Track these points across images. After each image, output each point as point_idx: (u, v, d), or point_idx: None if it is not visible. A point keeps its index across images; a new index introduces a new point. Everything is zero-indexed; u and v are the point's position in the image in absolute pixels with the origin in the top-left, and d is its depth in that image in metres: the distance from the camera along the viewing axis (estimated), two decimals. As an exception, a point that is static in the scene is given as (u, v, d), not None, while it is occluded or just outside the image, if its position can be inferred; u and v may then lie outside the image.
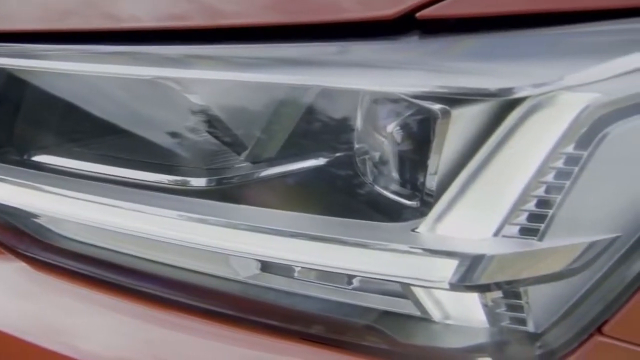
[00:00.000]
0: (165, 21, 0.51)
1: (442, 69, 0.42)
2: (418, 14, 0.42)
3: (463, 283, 0.42)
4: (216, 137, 0.55)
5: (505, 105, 0.42)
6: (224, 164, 0.56)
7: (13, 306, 0.57)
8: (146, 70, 0.50)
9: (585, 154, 0.40)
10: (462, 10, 0.42)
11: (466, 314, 0.46)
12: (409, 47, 0.44)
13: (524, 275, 0.43)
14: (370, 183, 0.51)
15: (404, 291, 0.48)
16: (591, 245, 0.42)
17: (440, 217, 0.44)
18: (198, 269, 0.55)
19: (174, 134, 0.57)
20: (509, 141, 0.42)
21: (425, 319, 0.48)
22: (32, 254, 0.59)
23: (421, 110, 0.45)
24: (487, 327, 0.46)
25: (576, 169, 0.40)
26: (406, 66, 0.43)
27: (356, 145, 0.52)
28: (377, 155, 0.50)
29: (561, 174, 0.41)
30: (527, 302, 0.44)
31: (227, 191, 0.55)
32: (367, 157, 0.52)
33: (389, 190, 0.50)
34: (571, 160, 0.40)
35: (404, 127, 0.47)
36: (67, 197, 0.56)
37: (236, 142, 0.55)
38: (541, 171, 0.41)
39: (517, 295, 0.44)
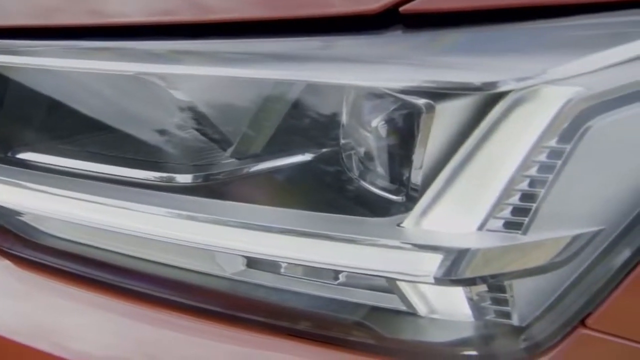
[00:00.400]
0: (150, 16, 0.50)
1: (426, 63, 0.42)
2: (401, 9, 0.42)
3: (448, 277, 0.43)
4: (201, 133, 0.55)
5: (489, 100, 0.42)
6: (209, 160, 0.56)
7: (-2, 305, 0.57)
8: (130, 66, 0.50)
9: (568, 147, 0.40)
10: (445, 4, 0.42)
11: (451, 308, 0.47)
12: (392, 41, 0.44)
13: (509, 268, 0.43)
14: (356, 178, 0.51)
15: (390, 286, 0.48)
16: (575, 238, 0.42)
17: (425, 212, 0.44)
18: (184, 265, 0.54)
19: (159, 130, 0.57)
20: (492, 135, 0.42)
21: (411, 313, 0.48)
22: (16, 252, 0.59)
23: (406, 104, 0.45)
24: (472, 321, 0.46)
25: (559, 162, 0.41)
26: (390, 61, 0.43)
27: (342, 141, 0.52)
28: (362, 150, 0.50)
29: (544, 168, 0.41)
30: (511, 296, 0.44)
31: (213, 187, 0.55)
32: (353, 152, 0.52)
33: (375, 186, 0.50)
34: (554, 153, 0.41)
35: (389, 122, 0.47)
36: (52, 195, 0.56)
37: (221, 138, 0.55)
38: (525, 165, 0.41)
39: (502, 289, 0.44)
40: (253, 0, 0.47)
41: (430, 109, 0.42)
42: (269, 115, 0.53)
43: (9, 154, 0.61)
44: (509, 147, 0.41)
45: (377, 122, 0.47)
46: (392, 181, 0.49)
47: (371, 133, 0.48)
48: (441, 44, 0.43)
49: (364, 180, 0.51)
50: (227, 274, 0.53)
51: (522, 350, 0.45)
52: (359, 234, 0.45)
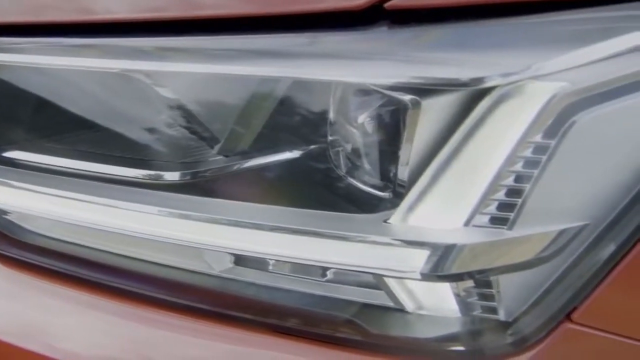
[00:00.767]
0: (136, 13, 0.50)
1: (412, 59, 0.42)
2: (387, 4, 0.42)
3: (435, 273, 0.43)
4: (188, 131, 0.55)
5: (474, 95, 0.42)
6: (197, 158, 0.56)
7: (-16, 304, 0.57)
8: (115, 63, 0.50)
9: (552, 142, 0.41)
10: (429, 0, 0.42)
11: (439, 303, 0.47)
12: (378, 37, 0.44)
13: (495, 264, 0.43)
14: (344, 175, 0.51)
15: (378, 282, 0.48)
16: (560, 233, 0.43)
17: (411, 208, 0.44)
18: (171, 263, 0.54)
19: (145, 128, 0.57)
20: (478, 131, 0.42)
21: (398, 309, 0.48)
22: (3, 251, 0.59)
23: (392, 100, 0.45)
24: (459, 317, 0.46)
25: (544, 157, 0.41)
26: (376, 57, 0.43)
27: (330, 137, 0.52)
28: (349, 146, 0.50)
29: (530, 163, 0.41)
30: (497, 291, 0.44)
31: (200, 185, 0.55)
32: (340, 149, 0.52)
33: (362, 182, 0.50)
34: (539, 149, 0.41)
35: (375, 118, 0.47)
36: (38, 193, 0.56)
37: (209, 135, 0.54)
38: (510, 160, 0.41)
39: (488, 285, 0.44)
40: (238, -3, 0.46)
41: (417, 105, 0.42)
42: (256, 112, 0.52)
43: (-4, 153, 0.61)
44: (495, 143, 0.41)
45: (364, 118, 0.47)
46: (379, 177, 0.49)
47: (358, 129, 0.48)
48: (427, 40, 0.43)
49: (352, 176, 0.51)
50: (215, 272, 0.53)
51: (509, 345, 0.45)
52: (345, 230, 0.45)
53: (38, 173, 0.58)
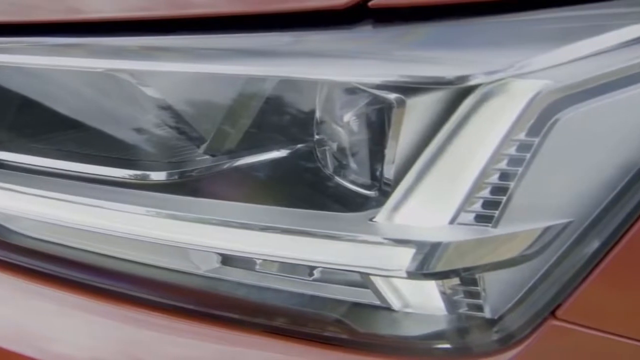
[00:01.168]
0: (120, 12, 0.50)
1: (397, 58, 0.42)
2: (370, 3, 0.42)
3: (420, 271, 0.43)
4: (174, 130, 0.55)
5: (459, 94, 0.42)
6: (183, 157, 0.56)
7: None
8: (100, 62, 0.49)
9: (536, 140, 0.41)
10: (412, -2, 0.42)
11: (425, 302, 0.47)
12: (363, 36, 0.44)
13: (480, 261, 0.43)
14: (330, 174, 0.51)
15: (364, 281, 0.48)
16: (545, 230, 0.43)
17: (397, 206, 0.44)
18: (158, 263, 0.54)
19: (131, 128, 0.56)
20: (462, 129, 0.42)
21: (385, 308, 0.48)
22: (-12, 252, 0.58)
23: (377, 99, 0.45)
24: (445, 315, 0.46)
25: (528, 155, 0.41)
26: (361, 56, 0.43)
27: (316, 136, 0.52)
28: (335, 145, 0.50)
29: (514, 161, 0.41)
30: (483, 289, 0.44)
31: (187, 185, 0.55)
32: (327, 148, 0.52)
33: (349, 181, 0.50)
34: (523, 147, 0.41)
35: (361, 116, 0.47)
36: (24, 194, 0.55)
37: (195, 134, 0.54)
38: (495, 158, 0.41)
39: (474, 282, 0.44)
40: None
41: (402, 103, 0.42)
42: (242, 112, 0.52)
43: (-21, 154, 0.60)
44: (479, 141, 0.41)
45: (349, 117, 0.47)
46: (365, 176, 0.49)
47: (343, 128, 0.48)
48: (411, 39, 0.43)
49: (338, 175, 0.51)
50: (201, 272, 0.53)
51: (495, 342, 0.45)
52: (331, 229, 0.45)
53: (24, 174, 0.57)
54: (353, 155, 0.49)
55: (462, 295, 0.45)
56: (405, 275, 0.43)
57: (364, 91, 0.45)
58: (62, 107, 0.58)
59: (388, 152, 0.44)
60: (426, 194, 0.43)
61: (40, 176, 0.56)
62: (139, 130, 0.56)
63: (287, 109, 0.52)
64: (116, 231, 0.52)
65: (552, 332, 0.44)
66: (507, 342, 0.45)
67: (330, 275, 0.51)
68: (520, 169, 0.41)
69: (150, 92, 0.53)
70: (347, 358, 0.47)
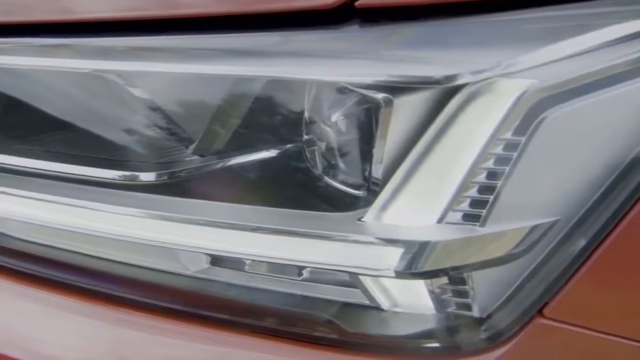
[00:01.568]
0: (107, 13, 0.50)
1: (385, 57, 0.42)
2: (357, 3, 0.42)
3: (408, 270, 0.43)
4: (163, 131, 0.55)
5: (446, 93, 0.42)
6: (173, 158, 0.55)
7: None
8: (88, 63, 0.49)
9: (523, 139, 0.41)
10: (399, -2, 0.42)
11: (414, 301, 0.47)
12: (350, 36, 0.44)
13: (468, 260, 0.43)
14: (319, 174, 0.51)
15: (353, 281, 0.48)
16: (532, 229, 0.43)
17: (385, 206, 0.44)
18: (146, 264, 0.54)
19: (120, 129, 0.56)
20: (449, 129, 0.42)
21: (374, 307, 0.48)
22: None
23: (365, 99, 0.45)
24: (434, 314, 0.46)
25: (515, 154, 0.41)
26: (349, 55, 0.43)
27: (305, 136, 0.52)
28: (324, 145, 0.50)
29: (501, 160, 0.41)
30: (471, 288, 0.45)
31: (176, 185, 0.55)
32: (316, 147, 0.52)
33: (338, 181, 0.50)
34: (510, 146, 0.41)
35: (348, 116, 0.47)
36: (12, 196, 0.55)
37: (183, 135, 0.54)
38: (482, 157, 0.41)
39: (462, 281, 0.45)
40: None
41: (389, 103, 0.42)
42: (230, 112, 0.52)
43: (-34, 155, 0.60)
44: (466, 140, 0.42)
45: (337, 116, 0.47)
46: (353, 176, 0.49)
47: (332, 128, 0.48)
48: (398, 38, 0.43)
49: (327, 175, 0.51)
50: (190, 272, 0.53)
51: (483, 341, 0.45)
52: (319, 229, 0.45)
53: (13, 175, 0.57)
54: (341, 155, 0.49)
55: (450, 294, 0.45)
56: (393, 274, 0.43)
57: (352, 91, 0.45)
58: (50, 108, 0.58)
59: (376, 152, 0.44)
60: (414, 193, 0.43)
61: (29, 178, 0.56)
62: (127, 131, 0.56)
63: (276, 109, 0.52)
64: (106, 233, 0.51)
65: (540, 330, 0.44)
66: (495, 340, 0.45)
67: (320, 275, 0.51)
68: (507, 168, 0.41)
69: (138, 92, 0.53)
70: (336, 358, 0.47)
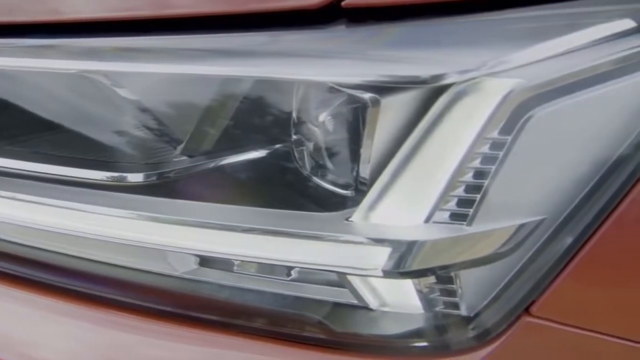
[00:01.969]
0: (94, 13, 0.49)
1: (372, 57, 0.42)
2: (343, 3, 0.42)
3: (396, 270, 0.43)
4: (151, 131, 0.54)
5: (432, 93, 0.42)
6: (161, 159, 0.55)
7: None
8: (75, 64, 0.49)
9: (509, 138, 0.41)
10: (385, -2, 0.42)
11: (402, 300, 0.47)
12: (337, 36, 0.44)
13: (456, 260, 0.43)
14: (307, 174, 0.51)
15: (341, 280, 0.48)
16: (519, 228, 0.43)
17: (372, 206, 0.44)
18: (135, 266, 0.54)
19: (107, 129, 0.56)
20: (436, 128, 0.42)
21: (362, 307, 0.48)
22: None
23: (352, 99, 0.45)
24: (422, 313, 0.47)
25: (501, 153, 0.41)
26: (336, 55, 0.43)
27: (294, 136, 0.52)
28: (312, 145, 0.50)
29: (487, 159, 0.41)
30: (459, 287, 0.45)
31: (165, 186, 0.54)
32: (304, 147, 0.52)
33: (326, 181, 0.50)
34: (496, 145, 0.41)
35: (336, 116, 0.47)
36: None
37: (171, 135, 0.54)
38: (468, 157, 0.41)
39: (450, 280, 0.45)
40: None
41: (376, 103, 0.42)
42: (218, 112, 0.52)
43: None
44: (453, 140, 0.42)
45: (325, 116, 0.47)
46: (341, 176, 0.49)
47: (319, 128, 0.48)
48: (385, 38, 0.43)
49: (315, 175, 0.51)
50: (179, 274, 0.53)
51: (471, 340, 0.46)
52: (307, 229, 0.45)
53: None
54: (329, 155, 0.49)
55: (438, 294, 0.46)
56: (381, 274, 0.43)
57: (339, 91, 0.45)
58: (37, 109, 0.57)
59: (363, 152, 0.44)
60: (401, 193, 0.43)
61: (16, 179, 0.56)
62: (115, 132, 0.56)
63: (264, 109, 0.52)
64: (94, 234, 0.51)
65: (527, 328, 0.45)
66: (483, 338, 0.45)
67: (308, 275, 0.51)
68: (493, 167, 0.41)
69: (125, 93, 0.52)
70: (325, 358, 0.47)
